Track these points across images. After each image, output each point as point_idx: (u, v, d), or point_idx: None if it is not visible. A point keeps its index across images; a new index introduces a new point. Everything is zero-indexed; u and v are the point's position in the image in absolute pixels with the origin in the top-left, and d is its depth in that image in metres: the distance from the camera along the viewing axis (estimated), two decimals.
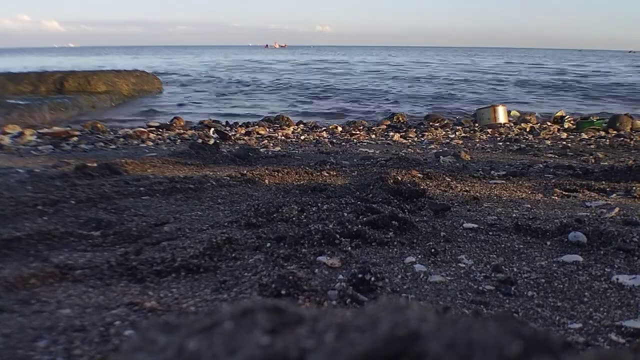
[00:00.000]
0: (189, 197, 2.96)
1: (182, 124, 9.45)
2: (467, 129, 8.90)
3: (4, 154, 5.47)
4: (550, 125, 9.41)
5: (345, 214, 2.51)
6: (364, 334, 0.39)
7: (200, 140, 6.46)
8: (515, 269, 1.91)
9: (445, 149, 6.10)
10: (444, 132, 8.35)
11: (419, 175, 3.73)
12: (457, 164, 4.59)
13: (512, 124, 9.44)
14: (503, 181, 3.74)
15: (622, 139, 7.16)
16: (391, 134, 8.09)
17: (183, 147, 5.49)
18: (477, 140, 7.29)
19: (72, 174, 3.45)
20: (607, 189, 3.37)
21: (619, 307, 1.61)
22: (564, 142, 6.86)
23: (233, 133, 7.97)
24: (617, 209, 2.72)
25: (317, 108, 13.80)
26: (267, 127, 8.89)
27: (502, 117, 9.65)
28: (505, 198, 3.13)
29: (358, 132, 8.30)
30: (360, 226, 2.22)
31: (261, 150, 5.52)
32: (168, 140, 7.02)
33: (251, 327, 0.42)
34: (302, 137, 7.55)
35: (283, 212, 2.50)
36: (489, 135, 7.95)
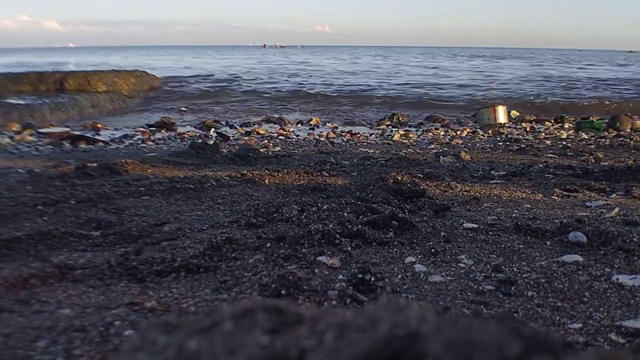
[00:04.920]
0: (189, 197, 2.96)
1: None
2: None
3: (4, 153, 5.47)
4: (551, 125, 9.41)
5: (345, 214, 2.51)
6: (364, 334, 0.39)
7: (200, 140, 6.46)
8: (515, 269, 1.91)
9: (445, 149, 6.09)
10: (444, 132, 8.35)
11: (419, 175, 3.73)
12: (457, 164, 4.59)
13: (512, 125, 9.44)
14: (503, 181, 3.74)
15: (622, 139, 7.16)
16: (391, 133, 8.09)
17: (183, 147, 5.49)
18: (477, 140, 7.29)
19: (72, 174, 3.45)
20: (607, 189, 3.37)
21: (619, 307, 1.61)
22: (564, 142, 6.86)
23: (233, 133, 7.97)
24: (617, 209, 2.71)
25: None
26: (267, 127, 8.89)
27: (502, 117, 9.65)
28: (505, 198, 3.13)
29: (358, 132, 8.30)
30: (360, 226, 2.22)
31: (261, 150, 5.52)
32: (168, 140, 7.03)
33: (251, 327, 0.42)
34: (302, 137, 7.54)
35: (283, 212, 2.50)
36: (489, 135, 7.95)
